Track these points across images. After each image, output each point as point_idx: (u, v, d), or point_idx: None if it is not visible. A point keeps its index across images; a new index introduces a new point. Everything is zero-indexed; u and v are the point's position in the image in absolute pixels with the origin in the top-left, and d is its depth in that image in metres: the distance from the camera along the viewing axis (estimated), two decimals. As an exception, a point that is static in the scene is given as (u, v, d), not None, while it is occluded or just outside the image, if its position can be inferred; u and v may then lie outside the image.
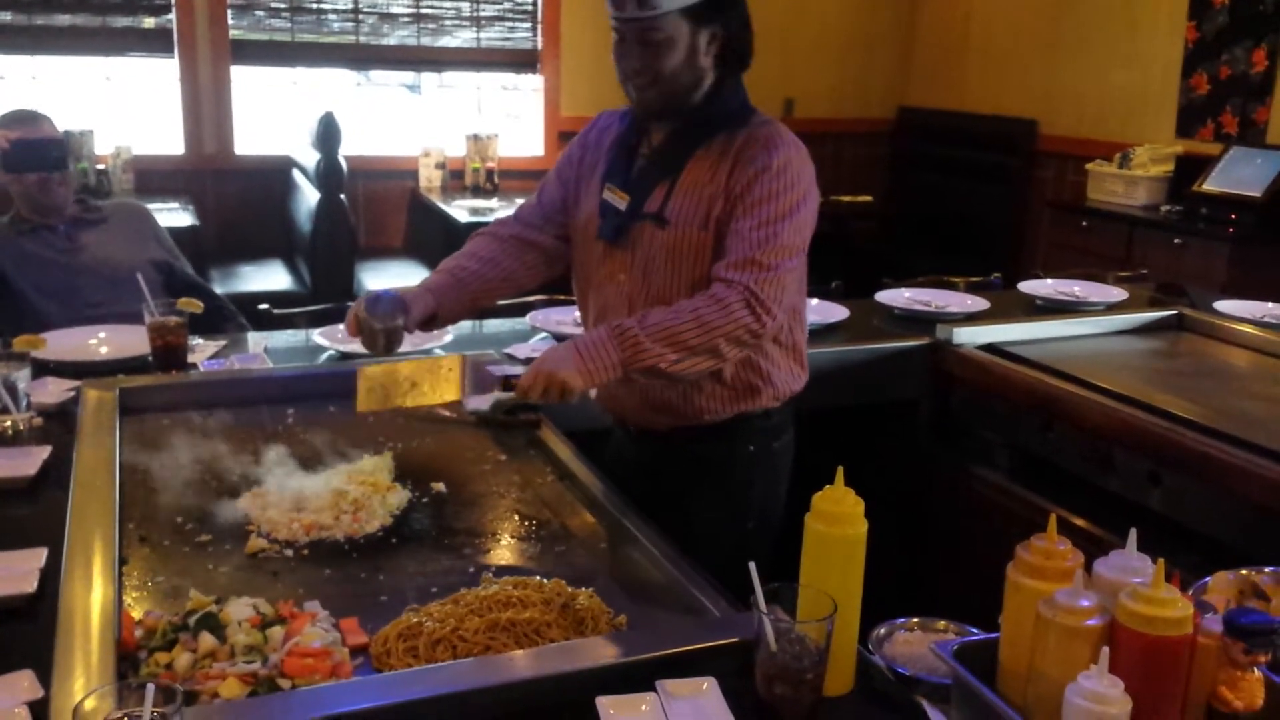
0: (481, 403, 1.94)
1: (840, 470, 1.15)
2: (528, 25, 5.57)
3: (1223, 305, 2.86)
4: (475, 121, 5.69)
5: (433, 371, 1.76)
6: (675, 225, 1.68)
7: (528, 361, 2.15)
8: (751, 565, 1.08)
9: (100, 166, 4.73)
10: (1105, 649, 0.96)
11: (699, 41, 1.65)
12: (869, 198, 5.92)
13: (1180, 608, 0.99)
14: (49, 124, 2.62)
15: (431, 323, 1.84)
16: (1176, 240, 4.26)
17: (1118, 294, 2.93)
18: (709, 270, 1.66)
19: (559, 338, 2.34)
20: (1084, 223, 4.77)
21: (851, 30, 6.07)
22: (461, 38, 5.50)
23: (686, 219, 1.68)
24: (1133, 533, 1.09)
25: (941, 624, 1.29)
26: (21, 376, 1.85)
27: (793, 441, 1.87)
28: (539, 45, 5.58)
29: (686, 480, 1.79)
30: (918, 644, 1.24)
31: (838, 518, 1.13)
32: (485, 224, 4.67)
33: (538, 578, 1.36)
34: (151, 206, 4.45)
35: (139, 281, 2.18)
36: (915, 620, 1.29)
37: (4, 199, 2.62)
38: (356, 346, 2.30)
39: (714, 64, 1.68)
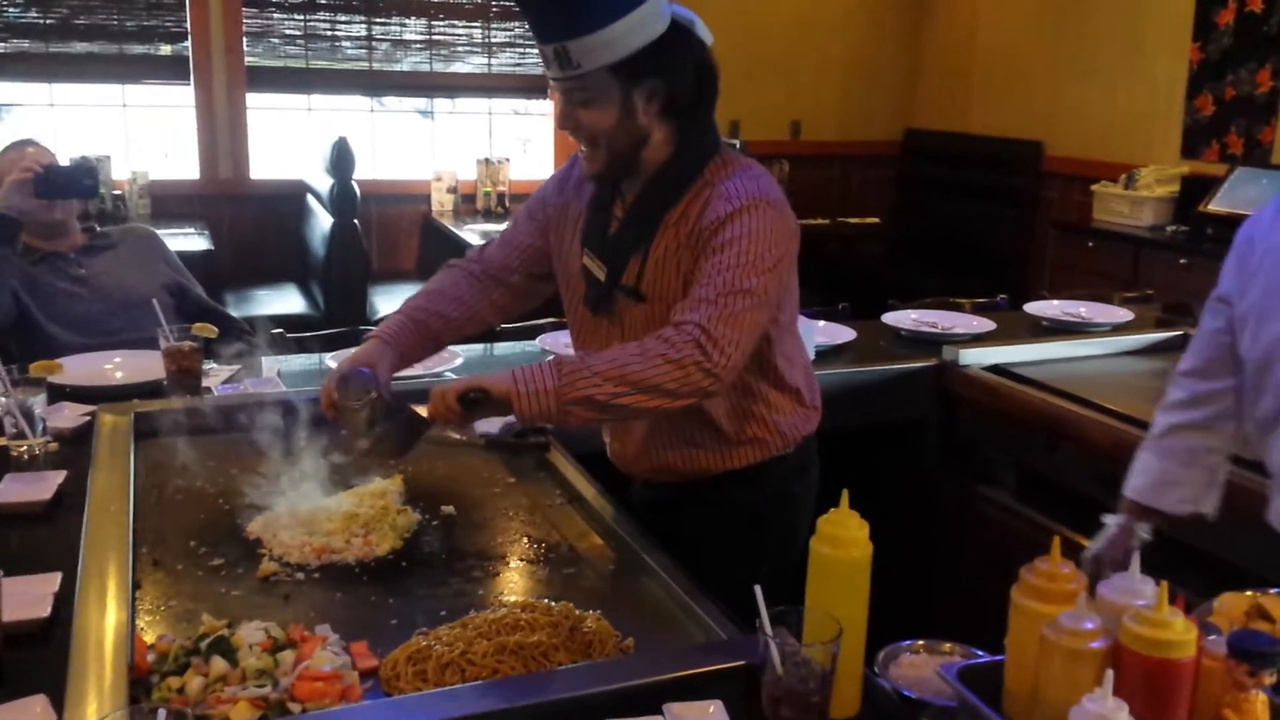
0: (491, 426, 1.96)
1: (845, 493, 1.17)
2: (538, 52, 5.62)
3: (1230, 326, 2.86)
4: (486, 146, 5.74)
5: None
6: (652, 300, 1.61)
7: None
8: (758, 589, 1.09)
9: (117, 192, 4.79)
10: (1109, 672, 0.96)
11: (634, 100, 1.53)
12: (875, 219, 5.95)
13: (1184, 630, 0.99)
14: (50, 154, 2.64)
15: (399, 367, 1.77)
16: (1182, 261, 4.27)
17: (1124, 315, 2.94)
18: None
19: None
20: (1090, 244, 4.78)
21: (857, 54, 6.11)
22: (473, 64, 5.56)
23: (662, 294, 1.60)
24: (1136, 555, 1.10)
25: (947, 646, 1.29)
26: (38, 401, 1.88)
27: (815, 481, 1.81)
28: (548, 70, 5.63)
29: (699, 525, 1.73)
30: (923, 666, 1.25)
31: (842, 541, 1.14)
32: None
33: (546, 601, 1.37)
34: (167, 231, 4.52)
35: (154, 306, 2.21)
36: (921, 642, 1.30)
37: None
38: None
39: (659, 119, 1.56)
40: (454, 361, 2.35)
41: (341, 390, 1.63)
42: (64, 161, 2.75)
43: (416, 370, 1.90)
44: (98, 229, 2.78)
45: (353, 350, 1.77)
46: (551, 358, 1.55)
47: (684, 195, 1.59)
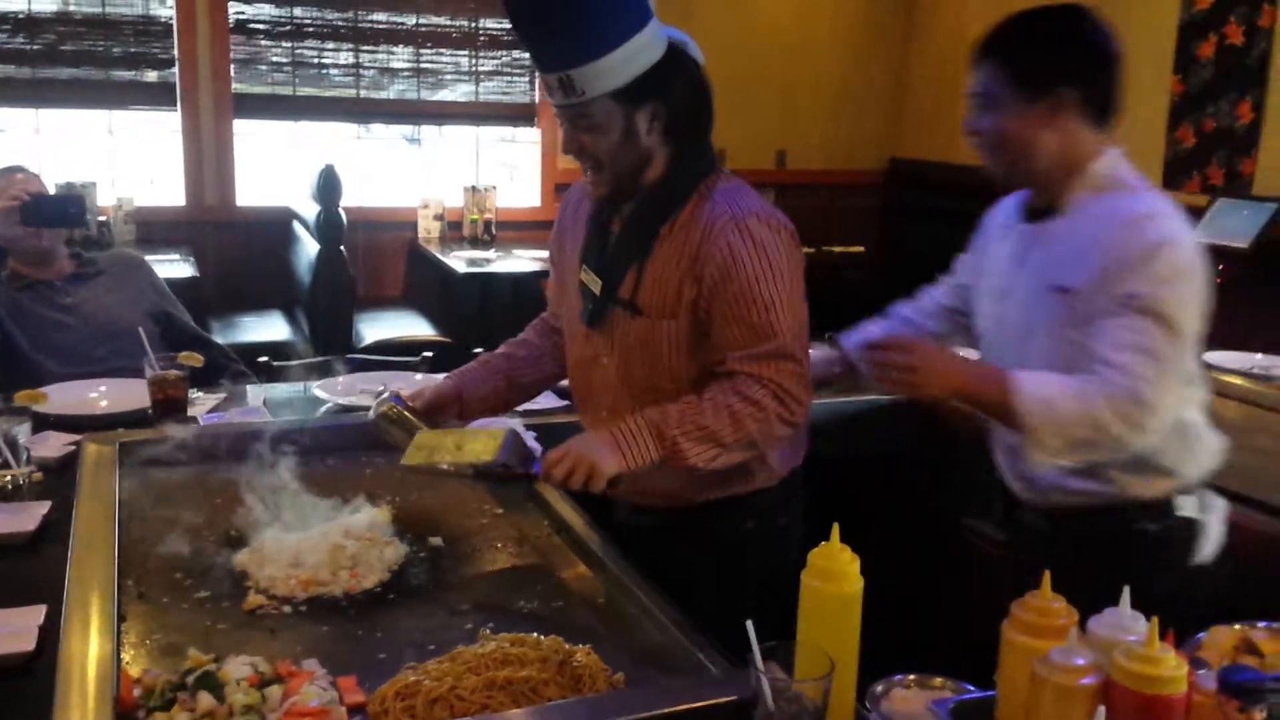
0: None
1: (836, 527, 1.17)
2: (525, 80, 5.65)
3: (1211, 357, 2.88)
4: (473, 173, 5.76)
5: (477, 438, 1.74)
6: (647, 314, 1.63)
7: (526, 415, 2.17)
8: (749, 624, 1.09)
9: (102, 218, 4.77)
10: (1101, 708, 0.97)
11: (636, 123, 1.57)
12: (860, 248, 5.98)
13: (1174, 666, 1.00)
14: (39, 181, 2.64)
15: (460, 409, 1.83)
16: (1166, 290, 4.30)
17: (1109, 345, 2.95)
18: (686, 353, 1.63)
19: (560, 391, 2.31)
20: (1075, 273, 4.82)
21: (844, 83, 6.17)
22: (460, 91, 5.58)
23: (658, 308, 1.62)
24: (1125, 590, 1.10)
25: (938, 681, 1.29)
26: (22, 431, 1.86)
27: (801, 514, 1.81)
28: (536, 99, 5.66)
29: (685, 554, 1.72)
30: (915, 701, 1.25)
31: (833, 574, 1.14)
32: (482, 274, 4.66)
33: (535, 635, 1.36)
34: (153, 258, 4.48)
35: (140, 335, 2.20)
36: (912, 677, 1.29)
37: None
38: (355, 399, 2.33)
39: (661, 140, 1.60)
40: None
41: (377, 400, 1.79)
42: (50, 190, 2.74)
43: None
44: (84, 255, 2.77)
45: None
46: (640, 424, 1.56)
47: (680, 209, 1.62)
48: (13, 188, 2.51)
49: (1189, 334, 1.59)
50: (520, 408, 2.22)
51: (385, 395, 1.79)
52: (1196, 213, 4.47)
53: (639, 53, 1.53)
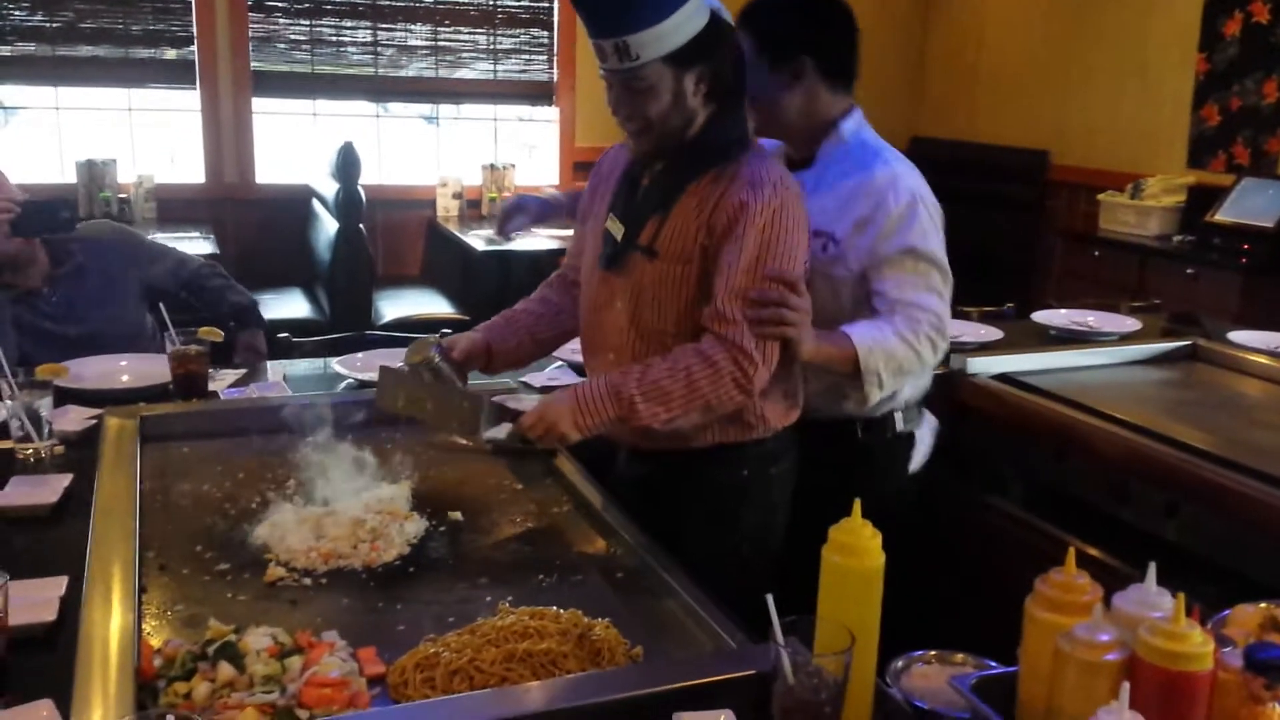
0: (498, 431, 1.95)
1: (857, 503, 1.16)
2: (544, 58, 5.63)
3: (1237, 336, 2.85)
4: (492, 152, 5.75)
5: (450, 402, 1.78)
6: (663, 258, 1.71)
7: (542, 390, 2.17)
8: (769, 598, 1.08)
9: (122, 195, 4.79)
10: (1125, 684, 0.96)
11: (685, 85, 1.65)
12: (882, 227, 5.94)
13: (1201, 642, 0.99)
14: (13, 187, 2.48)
15: (487, 362, 1.92)
16: (1189, 270, 4.26)
17: (1131, 324, 2.93)
18: (694, 300, 1.70)
19: (575, 366, 2.35)
20: (1096, 253, 4.78)
21: (863, 62, 6.10)
22: (479, 70, 5.57)
23: (674, 253, 1.70)
24: (1152, 566, 1.09)
25: (959, 657, 1.28)
26: (44, 404, 1.87)
27: (794, 468, 1.88)
28: (554, 78, 5.64)
29: (680, 502, 1.80)
30: (936, 677, 1.24)
31: (854, 550, 1.13)
32: (500, 252, 4.67)
33: (554, 608, 1.36)
34: (172, 235, 4.53)
35: (161, 310, 2.21)
36: (933, 653, 1.29)
37: None
38: (374, 375, 2.33)
39: (704, 102, 1.68)
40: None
41: (409, 349, 1.87)
42: (33, 191, 2.55)
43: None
44: (54, 242, 2.58)
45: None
46: (601, 385, 1.65)
47: (709, 171, 1.70)
48: None
49: (949, 271, 1.91)
50: (524, 379, 2.25)
51: (427, 341, 1.85)
52: (1222, 192, 4.42)
53: (688, 19, 1.62)
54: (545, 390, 2.17)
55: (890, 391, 1.87)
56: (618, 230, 1.77)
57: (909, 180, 1.91)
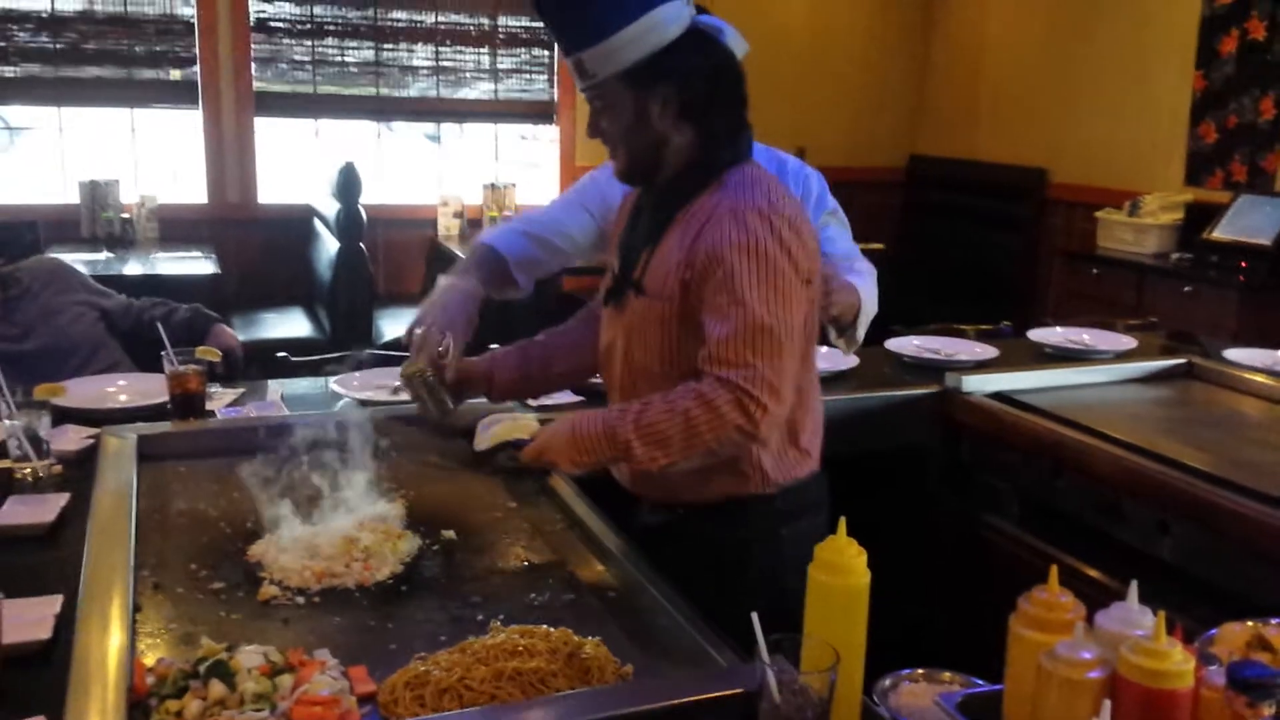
0: (485, 442, 1.92)
1: (842, 521, 1.17)
2: (544, 78, 5.67)
3: (1233, 354, 2.86)
4: (493, 171, 5.78)
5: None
6: (650, 295, 1.64)
7: (539, 410, 2.18)
8: (754, 616, 1.09)
9: (125, 215, 4.82)
10: (1107, 702, 0.96)
11: (648, 106, 1.58)
12: (880, 245, 5.94)
13: (1182, 660, 0.99)
14: None
15: (488, 389, 1.90)
16: (1186, 288, 4.27)
17: (1128, 342, 2.94)
18: (679, 338, 1.61)
19: (578, 390, 2.32)
20: (1094, 270, 4.79)
21: (863, 80, 6.15)
22: (480, 89, 5.61)
23: (658, 289, 1.62)
24: (1133, 585, 1.10)
25: (946, 675, 1.29)
26: (42, 424, 1.88)
27: (811, 530, 1.60)
28: (555, 97, 5.68)
29: (688, 553, 1.68)
30: (923, 695, 1.25)
31: (839, 568, 1.14)
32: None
33: (544, 626, 1.37)
34: (174, 255, 4.55)
35: (159, 329, 2.22)
36: (921, 671, 1.30)
37: None
38: (371, 394, 2.34)
39: (675, 124, 1.60)
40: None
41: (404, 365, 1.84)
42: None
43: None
44: (6, 278, 2.67)
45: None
46: (598, 424, 1.58)
47: (692, 199, 1.62)
48: None
49: None
50: (533, 401, 2.24)
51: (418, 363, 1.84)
52: (1219, 209, 4.43)
53: (644, 35, 1.55)
54: (541, 410, 2.18)
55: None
56: (615, 264, 1.73)
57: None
